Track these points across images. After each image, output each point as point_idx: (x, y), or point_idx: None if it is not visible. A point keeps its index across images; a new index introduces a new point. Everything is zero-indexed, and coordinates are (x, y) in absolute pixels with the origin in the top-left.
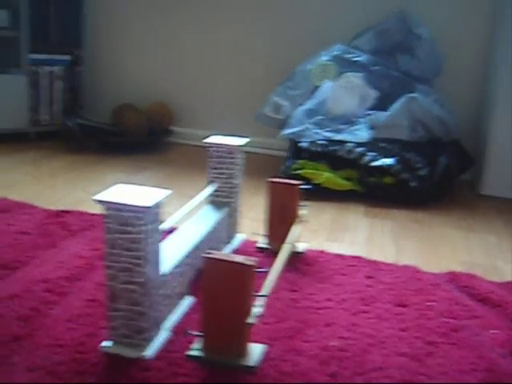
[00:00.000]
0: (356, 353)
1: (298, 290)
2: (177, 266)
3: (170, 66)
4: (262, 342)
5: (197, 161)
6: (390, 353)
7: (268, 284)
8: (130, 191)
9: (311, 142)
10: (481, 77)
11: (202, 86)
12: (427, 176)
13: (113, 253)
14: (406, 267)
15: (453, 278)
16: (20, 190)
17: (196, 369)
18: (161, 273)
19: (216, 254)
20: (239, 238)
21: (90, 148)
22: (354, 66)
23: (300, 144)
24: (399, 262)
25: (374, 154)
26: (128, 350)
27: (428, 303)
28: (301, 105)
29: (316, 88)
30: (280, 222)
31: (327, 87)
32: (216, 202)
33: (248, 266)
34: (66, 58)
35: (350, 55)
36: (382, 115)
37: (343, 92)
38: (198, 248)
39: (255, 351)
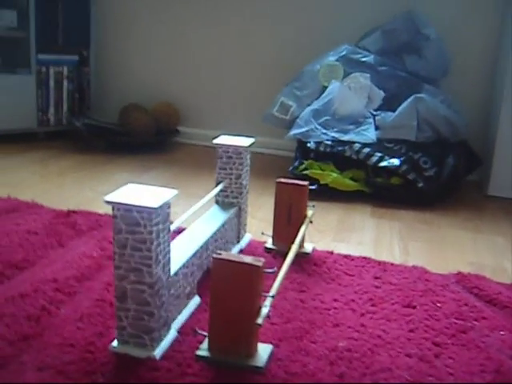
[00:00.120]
0: (364, 353)
1: (305, 290)
2: (185, 266)
3: (178, 66)
4: (269, 343)
5: (203, 161)
6: (399, 354)
7: (276, 284)
8: (138, 191)
9: (318, 143)
10: (488, 77)
11: (209, 86)
12: (434, 177)
13: (122, 253)
14: (413, 268)
15: (461, 278)
16: (28, 189)
17: (204, 369)
18: (170, 273)
19: (225, 255)
20: (247, 239)
21: (98, 148)
22: (361, 67)
23: (307, 144)
24: (407, 262)
25: (381, 154)
26: (137, 349)
27: (437, 304)
28: (308, 105)
29: (323, 88)
30: (287, 222)
31: (334, 87)
32: (224, 202)
33: (257, 266)
34: (74, 58)
35: (358, 55)
36: (389, 116)
37: (350, 92)
38: (206, 248)
39: (263, 351)
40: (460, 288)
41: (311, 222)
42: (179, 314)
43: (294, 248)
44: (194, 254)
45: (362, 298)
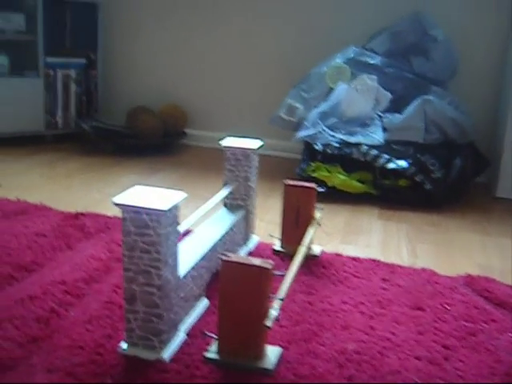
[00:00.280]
0: (373, 356)
1: (314, 292)
2: (193, 269)
3: (185, 68)
4: (278, 345)
5: (211, 163)
6: (408, 356)
7: (284, 287)
8: (147, 193)
9: (326, 145)
10: (496, 78)
11: (216, 88)
12: (442, 178)
13: (131, 255)
14: (422, 270)
15: (469, 281)
16: (37, 192)
17: (213, 371)
18: (178, 275)
19: (233, 257)
20: (255, 241)
21: (105, 150)
22: (368, 69)
23: (315, 146)
24: (415, 265)
25: (388, 156)
26: (145, 351)
27: (446, 307)
28: (315, 107)
29: (330, 90)
30: (295, 224)
31: (342, 89)
32: (232, 204)
33: (265, 268)
34: (82, 61)
35: (365, 57)
36: (396, 117)
37: (357, 94)
38: (214, 250)
39: (272, 354)
40: (469, 290)
41: (319, 224)
42: (188, 316)
43: (303, 250)
44: (203, 257)
45: (370, 300)
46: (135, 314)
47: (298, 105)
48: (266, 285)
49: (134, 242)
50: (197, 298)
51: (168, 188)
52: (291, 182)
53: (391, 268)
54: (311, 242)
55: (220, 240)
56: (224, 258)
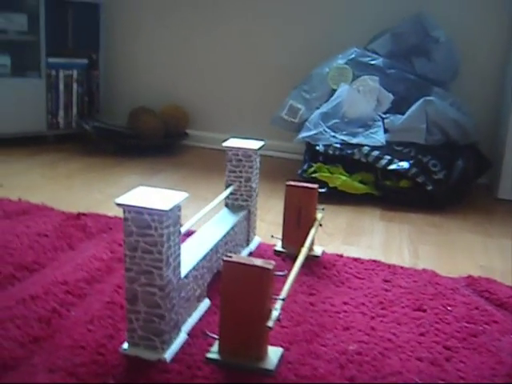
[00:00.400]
0: (374, 357)
1: (315, 293)
2: (195, 269)
3: (186, 69)
4: (279, 346)
5: (212, 164)
6: (409, 357)
7: (286, 287)
8: (149, 194)
9: (327, 146)
10: (498, 79)
11: (217, 89)
12: (444, 180)
13: (133, 255)
14: (423, 271)
15: (471, 282)
16: (38, 192)
17: (214, 371)
18: (180, 276)
19: (235, 257)
20: (256, 242)
21: (107, 151)
22: (370, 70)
23: (316, 147)
24: (417, 266)
25: (390, 157)
26: (147, 352)
27: (447, 308)
28: (317, 108)
29: (332, 91)
30: (297, 225)
31: (343, 90)
32: (233, 205)
33: (267, 269)
34: (83, 61)
35: (366, 58)
36: (398, 119)
37: (359, 95)
38: (216, 251)
39: (273, 354)
40: (470, 291)
41: (321, 225)
42: (189, 316)
43: (304, 251)
44: (204, 257)
45: (371, 301)
46: (137, 314)
47: (299, 105)
48: (267, 285)
49: (136, 242)
50: (198, 299)
51: (170, 189)
52: (293, 183)
53: (393, 269)
54: (313, 243)
55: (221, 240)
56: (226, 258)
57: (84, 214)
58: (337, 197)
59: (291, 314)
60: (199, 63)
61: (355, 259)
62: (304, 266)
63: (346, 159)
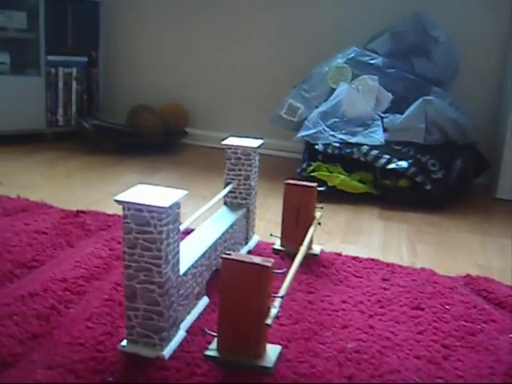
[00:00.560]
0: (373, 355)
1: (313, 291)
2: (194, 267)
3: (186, 67)
4: (278, 343)
5: (212, 162)
6: (407, 356)
7: (284, 285)
8: (148, 191)
9: (326, 145)
10: (497, 79)
11: (217, 87)
12: (442, 179)
13: (132, 253)
14: (422, 270)
15: (469, 281)
16: (37, 190)
17: (213, 369)
18: (179, 273)
19: (234, 255)
20: (255, 240)
21: (106, 149)
22: (369, 69)
23: (315, 146)
24: (415, 265)
25: (389, 156)
26: (146, 349)
27: (445, 306)
28: (316, 107)
29: (331, 90)
30: (296, 223)
31: (343, 90)
32: (232, 203)
33: (266, 267)
34: (83, 59)
35: (366, 58)
36: (397, 118)
37: (359, 94)
38: (214, 249)
39: (272, 352)
40: (468, 290)
41: (319, 223)
42: (188, 314)
43: (303, 249)
44: (203, 255)
45: (370, 299)
46: (136, 312)
47: (298, 104)
48: (266, 283)
49: (135, 239)
50: (197, 296)
51: (169, 187)
52: (292, 181)
53: (391, 268)
54: (311, 242)
55: (220, 238)
56: (224, 255)
57: (83, 212)
58: (335, 196)
59: (290, 312)
60: (199, 62)
61: (354, 258)
62: (303, 264)
63: (345, 158)
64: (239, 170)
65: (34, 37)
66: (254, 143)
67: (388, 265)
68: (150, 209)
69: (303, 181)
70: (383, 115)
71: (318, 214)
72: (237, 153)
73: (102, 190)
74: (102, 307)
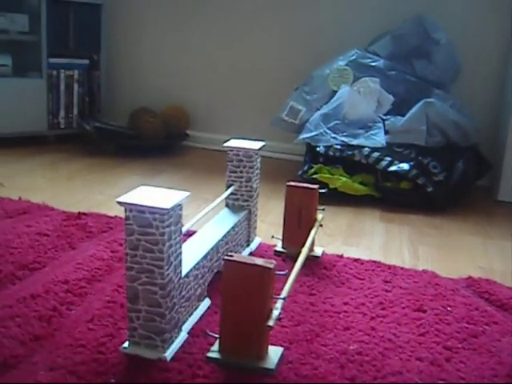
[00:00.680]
0: (375, 357)
1: (315, 293)
2: (196, 268)
3: (187, 70)
4: (280, 345)
5: (213, 164)
6: (409, 357)
7: (286, 287)
8: (150, 193)
9: (328, 147)
10: (499, 81)
11: (218, 90)
12: (444, 181)
13: (134, 254)
14: (423, 272)
15: (471, 283)
16: (39, 192)
17: (215, 371)
18: (181, 275)
19: (236, 257)
20: (257, 242)
21: (108, 151)
22: (370, 71)
23: (317, 148)
24: (417, 267)
25: (390, 158)
26: (148, 351)
27: (447, 308)
28: (318, 109)
29: (333, 93)
30: (297, 225)
31: (344, 92)
32: (234, 205)
33: (268, 268)
34: (85, 62)
35: (367, 60)
36: (398, 120)
37: (360, 97)
38: (216, 251)
39: (274, 354)
40: (470, 292)
41: (321, 225)
42: (190, 315)
43: (305, 251)
44: (205, 257)
45: (372, 301)
46: (138, 313)
47: (300, 107)
48: (268, 285)
49: (137, 241)
50: (199, 298)
51: (171, 189)
52: (293, 183)
53: (393, 270)
54: (313, 243)
55: (222, 240)
56: (226, 257)
57: (85, 214)
58: (337, 198)
59: (291, 314)
60: (200, 64)
61: (355, 260)
62: (304, 266)
63: (347, 160)
64: (241, 171)
65: (35, 39)
66: (256, 145)
67: (390, 267)
68: (152, 210)
69: (304, 183)
70: (384, 117)
71: (319, 216)
72: (238, 155)
73: (103, 192)
74: (103, 309)
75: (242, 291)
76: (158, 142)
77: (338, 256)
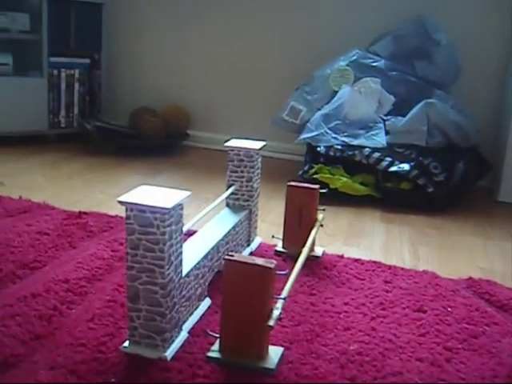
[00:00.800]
0: (375, 357)
1: (316, 293)
2: (196, 268)
3: (188, 69)
4: (280, 345)
5: (214, 164)
6: (410, 358)
7: (287, 287)
8: (151, 193)
9: (329, 147)
10: (499, 82)
11: (219, 89)
12: (444, 182)
13: (134, 254)
14: (424, 273)
15: (471, 284)
16: (39, 191)
17: (215, 370)
18: (181, 274)
19: (237, 256)
20: (257, 242)
21: (108, 150)
22: (371, 71)
23: (317, 148)
24: (417, 267)
25: (391, 159)
26: (148, 350)
27: (447, 309)
28: (318, 109)
29: (334, 93)
30: (298, 225)
31: (345, 92)
32: (235, 205)
33: (269, 268)
34: (85, 61)
35: (368, 60)
36: (399, 120)
37: (361, 97)
38: (217, 250)
39: (274, 354)
40: (471, 293)
41: (322, 225)
42: (190, 315)
43: (305, 251)
44: (206, 256)
45: (372, 301)
46: (138, 313)
47: (301, 107)
48: (269, 284)
49: (138, 240)
50: (199, 297)
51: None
52: (294, 183)
53: (393, 270)
54: (314, 244)
55: (222, 240)
56: (227, 257)
57: (85, 213)
58: (337, 198)
59: (292, 314)
60: (201, 64)
61: (356, 260)
62: (305, 266)
63: (347, 161)
64: (242, 171)
65: (36, 38)
66: (257, 145)
67: (390, 267)
68: (153, 210)
69: (305, 183)
70: (385, 118)
71: (320, 216)
72: (239, 155)
73: (104, 191)
74: (104, 308)
75: (242, 291)
76: (159, 141)
77: (338, 256)
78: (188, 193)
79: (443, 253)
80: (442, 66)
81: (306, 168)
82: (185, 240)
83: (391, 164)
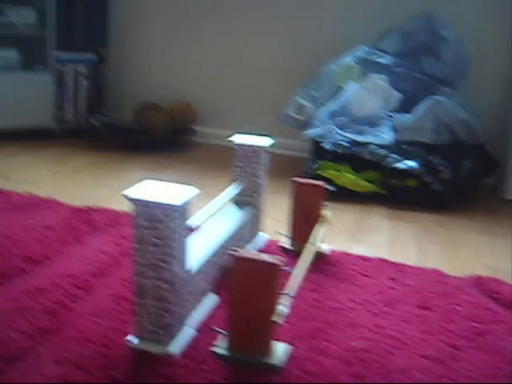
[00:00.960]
0: (380, 354)
1: (320, 290)
2: (202, 264)
3: (194, 65)
4: (285, 342)
5: (219, 160)
6: (414, 355)
7: (293, 284)
8: (157, 188)
9: (334, 143)
10: (507, 79)
11: (225, 85)
12: (450, 179)
13: (140, 249)
14: (429, 270)
15: (477, 281)
16: (45, 186)
17: (220, 366)
18: (187, 270)
19: (244, 253)
20: (262, 238)
21: (114, 146)
22: (378, 68)
23: (323, 145)
24: (422, 264)
25: (397, 156)
26: (153, 345)
27: (453, 306)
28: (324, 106)
29: (340, 89)
30: (303, 222)
31: (351, 88)
32: (240, 201)
33: (275, 264)
34: (91, 56)
35: (374, 57)
36: (405, 117)
37: (367, 93)
38: (222, 246)
39: (279, 350)
40: (476, 291)
41: (329, 222)
42: (196, 310)
43: (310, 247)
44: (211, 252)
45: (378, 299)
46: (144, 308)
47: (307, 103)
48: (275, 281)
49: (144, 236)
50: (204, 293)
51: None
52: (300, 180)
53: (399, 267)
54: (320, 240)
55: (228, 236)
56: (234, 253)
57: (91, 208)
58: (343, 195)
59: (298, 311)
60: (207, 60)
61: (362, 257)
62: (311, 263)
63: (353, 157)
64: (247, 167)
65: (42, 33)
66: (264, 142)
67: (396, 264)
68: (161, 206)
69: (310, 179)
70: (392, 114)
71: (327, 212)
72: (246, 151)
73: (109, 186)
74: (109, 303)
75: (249, 287)
76: (165, 137)
77: (344, 253)
78: (197, 190)
79: (449, 250)
80: (450, 62)
81: (312, 164)
82: (191, 235)
83: (397, 161)
